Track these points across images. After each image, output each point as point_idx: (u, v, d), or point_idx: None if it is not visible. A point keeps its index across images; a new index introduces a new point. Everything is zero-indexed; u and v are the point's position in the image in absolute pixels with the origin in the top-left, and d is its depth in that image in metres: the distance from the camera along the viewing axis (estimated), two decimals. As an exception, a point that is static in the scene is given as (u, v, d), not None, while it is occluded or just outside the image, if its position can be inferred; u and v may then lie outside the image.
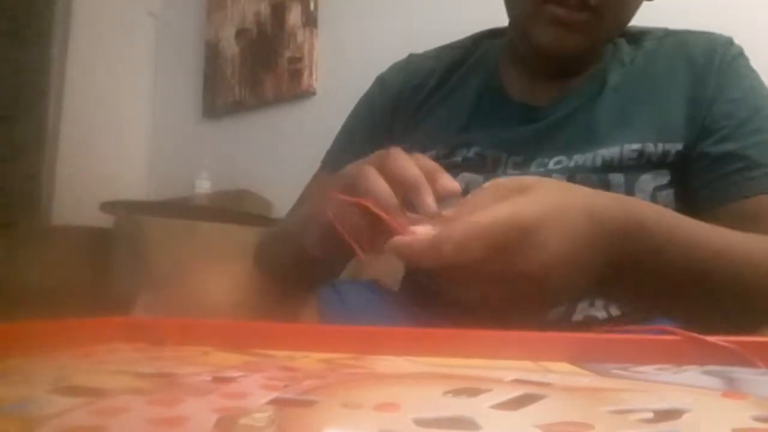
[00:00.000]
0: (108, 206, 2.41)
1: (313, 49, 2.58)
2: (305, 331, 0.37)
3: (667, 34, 0.77)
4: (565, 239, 0.44)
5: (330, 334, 0.36)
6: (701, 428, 0.22)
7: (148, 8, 3.15)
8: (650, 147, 0.69)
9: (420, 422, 0.22)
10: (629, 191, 0.70)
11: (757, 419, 0.22)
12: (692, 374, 0.31)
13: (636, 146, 0.70)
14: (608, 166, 0.70)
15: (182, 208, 2.32)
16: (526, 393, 0.26)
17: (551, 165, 0.72)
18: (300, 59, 2.61)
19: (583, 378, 0.30)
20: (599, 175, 0.70)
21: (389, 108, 0.83)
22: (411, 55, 0.88)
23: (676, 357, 0.33)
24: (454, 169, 0.72)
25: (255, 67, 2.79)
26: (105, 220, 2.40)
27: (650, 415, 0.23)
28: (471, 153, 0.75)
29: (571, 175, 0.71)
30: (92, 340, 0.35)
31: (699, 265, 0.51)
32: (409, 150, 0.61)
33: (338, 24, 2.49)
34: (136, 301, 0.61)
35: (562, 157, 0.72)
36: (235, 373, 0.29)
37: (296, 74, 2.60)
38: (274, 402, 0.24)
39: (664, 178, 0.70)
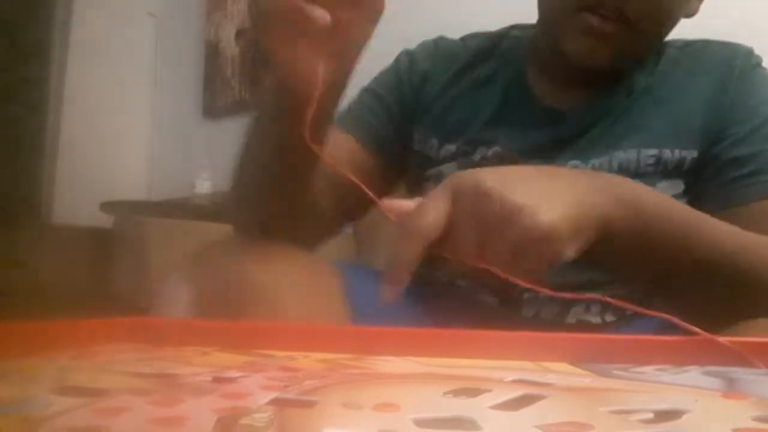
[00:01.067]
0: (108, 206, 2.41)
1: (313, 49, 2.57)
2: (305, 331, 0.37)
3: (688, 43, 0.76)
4: (542, 180, 0.47)
5: (330, 334, 0.36)
6: (701, 429, 0.22)
7: (148, 8, 3.15)
8: (667, 153, 0.69)
9: (420, 422, 0.22)
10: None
11: (757, 419, 0.22)
12: (692, 375, 0.31)
13: (653, 152, 0.69)
14: (625, 172, 0.68)
15: (182, 208, 2.32)
16: (526, 393, 0.26)
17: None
18: (300, 59, 2.60)
19: (584, 378, 0.30)
20: None
21: (417, 84, 0.81)
22: (440, 38, 0.86)
23: (677, 357, 0.33)
24: (471, 168, 0.71)
25: (255, 67, 2.79)
26: (105, 220, 2.40)
27: (650, 415, 0.23)
28: (490, 152, 0.74)
29: None
30: (92, 340, 0.35)
31: (696, 249, 0.51)
32: (431, 136, 0.75)
33: (338, 24, 2.49)
34: (160, 288, 0.55)
35: (577, 162, 0.71)
36: (235, 373, 0.29)
37: (296, 74, 2.60)
38: (274, 402, 0.24)
39: (678, 187, 0.69)
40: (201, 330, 0.36)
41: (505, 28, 0.84)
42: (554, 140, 0.72)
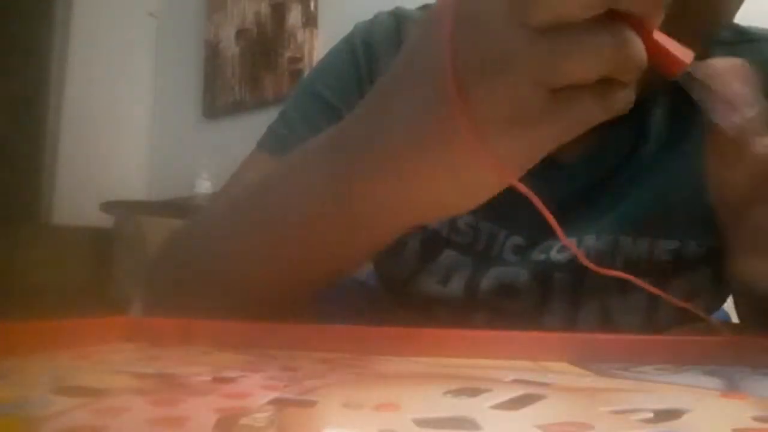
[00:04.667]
0: (108, 206, 2.42)
1: (313, 50, 2.58)
2: (305, 331, 0.37)
3: (743, 36, 0.58)
4: None
5: (330, 334, 0.36)
6: (701, 428, 0.22)
7: (148, 8, 3.15)
8: (692, 246, 0.53)
9: (420, 422, 0.22)
10: (649, 301, 0.54)
11: (757, 419, 0.22)
12: (692, 374, 0.31)
13: (673, 245, 0.53)
14: (631, 265, 0.53)
15: (182, 208, 2.33)
16: (527, 393, 0.26)
17: (554, 252, 0.56)
18: (300, 59, 2.62)
19: (583, 378, 0.31)
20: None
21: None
22: (399, 11, 0.65)
23: (676, 357, 0.33)
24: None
25: (255, 67, 2.80)
26: (105, 220, 2.40)
27: (650, 415, 0.23)
28: (460, 222, 0.59)
29: (577, 271, 0.54)
30: (92, 340, 0.35)
31: None
32: None
33: (338, 24, 2.50)
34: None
35: (573, 240, 0.55)
36: (235, 373, 0.29)
37: (296, 74, 2.60)
38: (274, 402, 0.24)
39: (704, 278, 0.55)
40: (201, 330, 0.36)
41: None
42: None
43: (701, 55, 0.46)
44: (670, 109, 0.57)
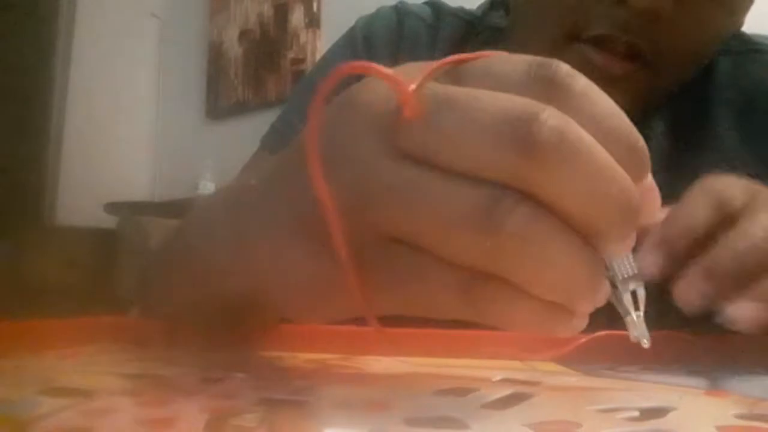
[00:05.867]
0: (112, 207, 2.43)
1: (316, 50, 2.58)
2: (294, 332, 0.37)
3: (750, 46, 0.57)
4: None
5: (319, 334, 0.36)
6: (686, 425, 0.22)
7: (151, 9, 3.16)
8: None
9: (410, 422, 0.22)
10: (659, 314, 0.50)
11: (739, 417, 0.22)
12: (677, 373, 0.31)
13: None
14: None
15: (185, 209, 2.33)
16: (514, 392, 0.26)
17: None
18: (303, 60, 2.62)
19: (570, 377, 0.31)
20: None
21: None
22: (402, 5, 0.64)
23: (661, 357, 0.34)
24: None
25: (258, 68, 2.80)
26: (109, 221, 2.41)
27: (636, 413, 0.23)
28: None
29: None
30: (79, 341, 0.35)
31: None
32: None
33: (341, 25, 2.49)
34: None
35: None
36: (223, 374, 0.29)
37: (299, 75, 2.61)
38: (263, 402, 0.24)
39: None
40: (188, 330, 0.36)
41: (486, 5, 0.64)
42: None
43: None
44: (670, 125, 0.55)
